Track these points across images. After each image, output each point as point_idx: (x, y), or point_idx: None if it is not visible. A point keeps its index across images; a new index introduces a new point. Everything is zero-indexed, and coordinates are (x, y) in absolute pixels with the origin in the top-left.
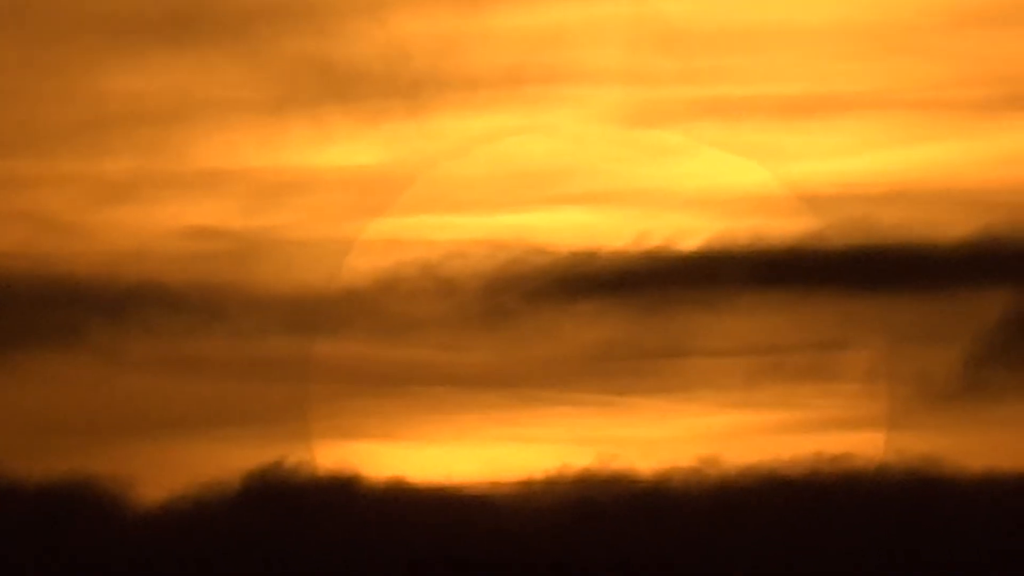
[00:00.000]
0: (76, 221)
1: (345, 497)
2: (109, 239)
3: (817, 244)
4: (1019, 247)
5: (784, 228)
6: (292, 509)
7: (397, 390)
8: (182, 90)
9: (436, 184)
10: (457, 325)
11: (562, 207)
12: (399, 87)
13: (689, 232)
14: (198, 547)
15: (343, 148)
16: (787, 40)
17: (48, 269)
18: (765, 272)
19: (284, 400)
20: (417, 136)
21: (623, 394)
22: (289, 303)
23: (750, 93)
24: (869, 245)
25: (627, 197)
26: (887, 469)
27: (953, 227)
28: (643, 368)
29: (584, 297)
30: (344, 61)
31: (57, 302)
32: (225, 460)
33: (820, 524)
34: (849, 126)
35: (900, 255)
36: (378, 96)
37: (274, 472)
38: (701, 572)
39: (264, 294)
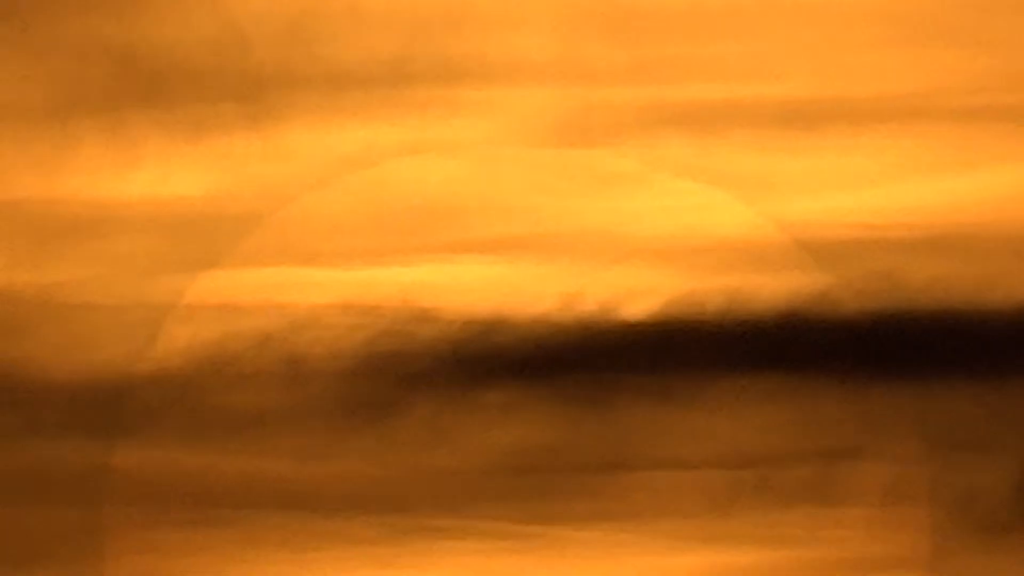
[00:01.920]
0: None
1: None
2: None
3: (822, 311)
4: None
5: (775, 289)
6: None
7: (226, 516)
8: None
9: (286, 225)
10: (312, 424)
11: (462, 258)
12: (234, 88)
13: (641, 294)
14: None
15: (154, 173)
16: (779, 24)
17: None
18: (748, 350)
19: (69, 531)
20: (259, 156)
21: (546, 523)
22: (77, 393)
23: (728, 96)
24: (895, 312)
25: (554, 244)
26: None
27: (1012, 288)
28: (574, 486)
29: (492, 385)
30: (156, 52)
31: None
32: None
33: None
34: (865, 144)
35: (938, 327)
36: (204, 100)
37: None
38: None
39: (42, 380)
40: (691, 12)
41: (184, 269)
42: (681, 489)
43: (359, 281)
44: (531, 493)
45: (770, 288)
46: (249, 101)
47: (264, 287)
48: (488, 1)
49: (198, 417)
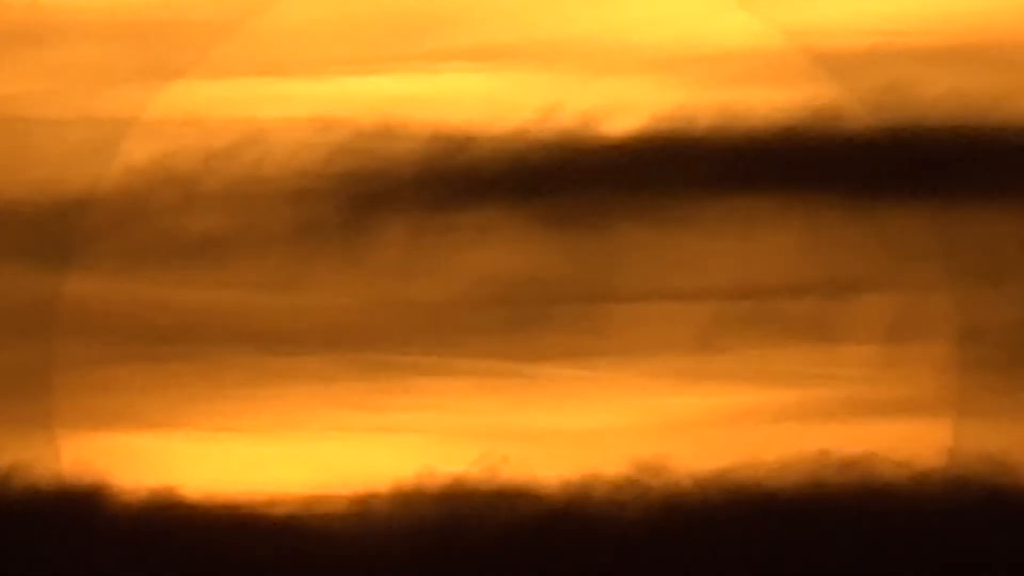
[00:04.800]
0: None
1: (91, 517)
2: None
3: (827, 126)
4: None
5: (775, 102)
6: (22, 532)
7: (183, 351)
8: None
9: (251, 32)
10: (275, 250)
11: (440, 67)
12: None
13: (628, 107)
14: None
15: None
16: None
17: None
18: (744, 169)
19: (13, 366)
20: None
21: (523, 359)
22: (22, 215)
23: None
24: (906, 127)
25: (538, 53)
26: (925, 478)
27: None
28: (555, 319)
29: (466, 206)
30: None
31: None
32: None
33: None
34: None
35: (953, 142)
36: None
37: None
38: None
39: None
40: None
41: (139, 81)
42: (670, 322)
43: (329, 93)
44: (509, 326)
45: (770, 101)
46: None
47: (227, 100)
48: None
49: (154, 242)
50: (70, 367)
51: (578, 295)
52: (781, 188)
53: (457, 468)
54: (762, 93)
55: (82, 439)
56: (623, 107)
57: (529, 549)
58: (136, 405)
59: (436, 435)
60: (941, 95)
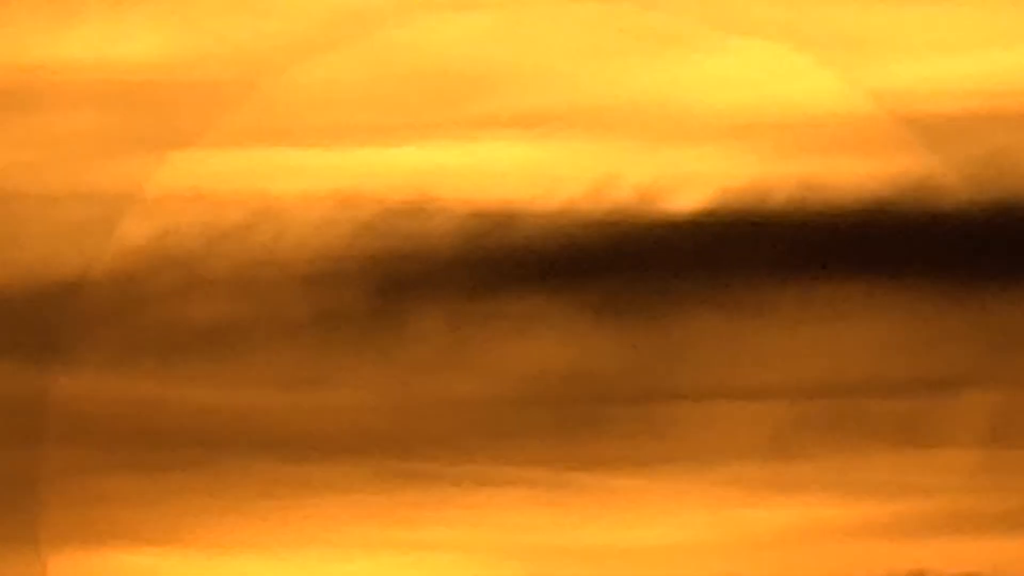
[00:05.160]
0: None
1: None
2: None
3: (920, 201)
4: None
5: (861, 174)
6: None
7: (187, 458)
8: None
9: (265, 95)
10: (293, 342)
11: (482, 135)
12: None
13: (695, 179)
14: None
15: (99, 29)
16: None
17: None
18: (827, 250)
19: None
20: (231, 7)
21: (575, 467)
22: (7, 304)
23: None
24: (1011, 202)
25: (593, 119)
26: None
27: None
28: (611, 421)
29: (511, 291)
30: None
31: None
32: None
33: None
34: None
35: None
36: None
37: None
38: None
39: None
40: None
41: (139, 151)
42: (741, 424)
43: (354, 164)
44: (559, 429)
45: (856, 173)
46: None
47: (238, 173)
48: None
49: (154, 334)
50: (58, 476)
51: (637, 394)
52: (868, 272)
53: None
54: (847, 164)
55: (72, 557)
56: (688, 180)
57: None
58: (133, 519)
59: (478, 554)
60: None
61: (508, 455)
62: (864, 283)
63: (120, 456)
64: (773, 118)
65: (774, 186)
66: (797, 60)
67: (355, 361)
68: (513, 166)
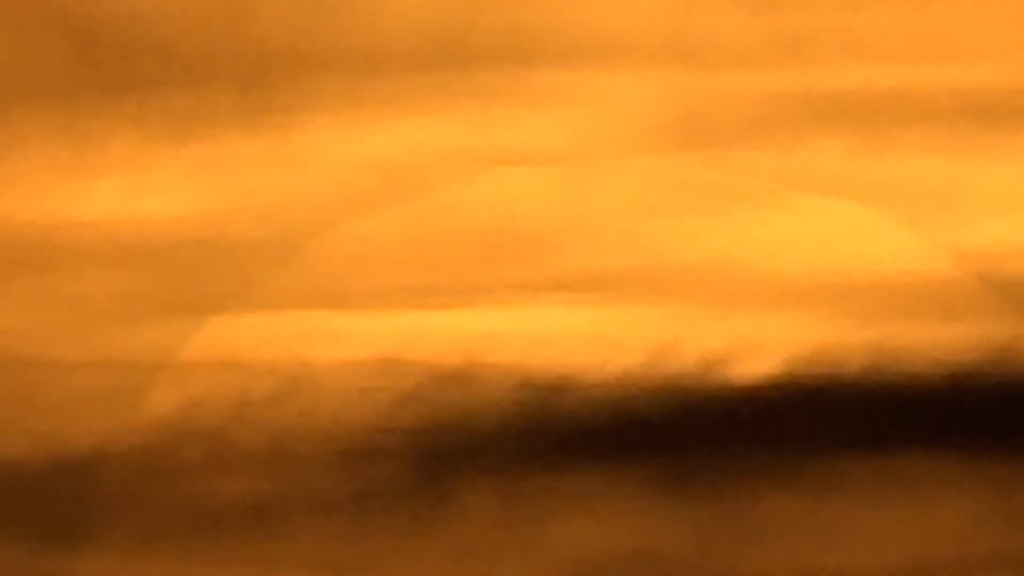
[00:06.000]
0: None
1: None
2: None
3: (1007, 369)
4: None
5: (943, 339)
6: None
7: None
8: None
9: (301, 256)
10: (327, 522)
11: (533, 300)
12: (230, 71)
13: (762, 346)
14: None
15: (124, 185)
16: None
17: None
18: (905, 422)
19: None
20: (264, 163)
21: None
22: (24, 478)
23: (895, 84)
24: None
25: (654, 282)
26: None
27: None
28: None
29: (565, 466)
30: (124, 23)
31: None
32: None
33: None
34: None
35: None
36: (190, 87)
37: None
38: None
39: None
40: None
41: (167, 316)
42: None
43: (396, 329)
44: None
45: (937, 339)
46: (250, 89)
47: (271, 338)
48: None
49: (180, 512)
50: None
51: (699, 575)
52: (951, 445)
53: None
54: (927, 330)
55: None
56: (754, 347)
57: None
58: None
59: None
60: None
61: None
62: (945, 458)
63: None
64: (846, 281)
65: (847, 353)
66: (872, 219)
67: (397, 542)
68: (568, 331)
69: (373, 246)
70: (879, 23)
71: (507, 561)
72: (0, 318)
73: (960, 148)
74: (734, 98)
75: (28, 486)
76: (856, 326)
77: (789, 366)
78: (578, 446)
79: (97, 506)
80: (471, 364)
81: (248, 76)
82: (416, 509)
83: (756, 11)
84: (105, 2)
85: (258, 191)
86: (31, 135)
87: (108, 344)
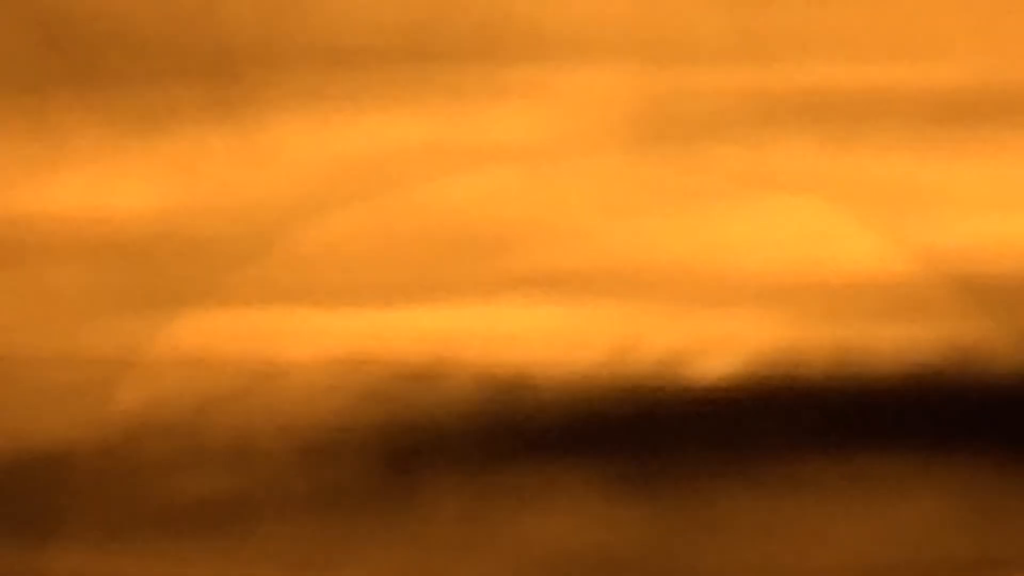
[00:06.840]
0: None
1: None
2: None
3: (972, 370)
4: None
5: (908, 340)
6: None
7: None
8: None
9: (267, 251)
10: (292, 519)
11: (496, 298)
12: (198, 64)
13: (725, 344)
14: None
15: (90, 178)
16: None
17: None
18: (869, 422)
19: None
20: (231, 158)
21: None
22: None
23: (862, 83)
24: None
25: (610, 279)
26: None
27: None
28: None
29: (528, 463)
30: (92, 16)
31: None
32: None
33: None
34: None
35: None
36: (158, 80)
37: None
38: None
39: None
40: None
41: (131, 311)
42: None
43: (362, 326)
44: None
45: (901, 340)
46: (219, 83)
47: (240, 335)
48: None
49: (147, 510)
50: None
51: (662, 575)
52: (915, 446)
53: None
54: (891, 330)
55: None
56: (717, 345)
57: None
58: None
59: None
60: None
61: None
62: (908, 459)
63: None
64: (809, 280)
65: (810, 353)
66: (836, 217)
67: (363, 539)
68: (531, 329)
69: (340, 243)
70: (845, 21)
71: (473, 558)
72: None
73: (926, 147)
74: (700, 95)
75: None
76: (819, 325)
77: (751, 365)
78: (541, 443)
79: (63, 502)
80: (437, 361)
81: (217, 70)
82: (382, 506)
83: (722, 8)
84: None
85: (226, 186)
86: None
87: (75, 339)
